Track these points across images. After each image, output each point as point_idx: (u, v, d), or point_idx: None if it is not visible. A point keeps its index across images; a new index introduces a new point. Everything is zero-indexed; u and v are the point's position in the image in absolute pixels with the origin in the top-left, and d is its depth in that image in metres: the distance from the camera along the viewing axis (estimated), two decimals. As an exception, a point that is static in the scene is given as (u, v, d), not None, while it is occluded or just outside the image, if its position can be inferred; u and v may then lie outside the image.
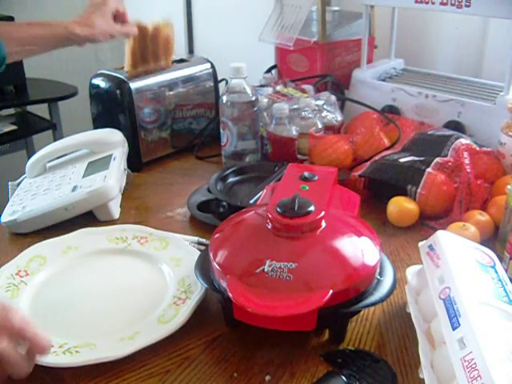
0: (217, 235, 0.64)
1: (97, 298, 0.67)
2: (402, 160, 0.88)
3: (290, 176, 0.71)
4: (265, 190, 0.75)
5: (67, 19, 0.94)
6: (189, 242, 0.78)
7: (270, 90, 1.15)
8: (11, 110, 1.99)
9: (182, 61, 1.13)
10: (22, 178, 0.97)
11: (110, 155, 0.93)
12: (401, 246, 0.79)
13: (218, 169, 0.98)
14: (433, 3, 1.01)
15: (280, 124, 1.00)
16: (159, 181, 1.03)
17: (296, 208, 0.59)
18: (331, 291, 0.53)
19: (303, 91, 1.14)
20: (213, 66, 1.13)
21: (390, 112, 1.10)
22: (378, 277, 0.60)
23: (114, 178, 0.86)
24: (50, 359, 0.55)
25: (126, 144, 1.00)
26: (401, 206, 0.83)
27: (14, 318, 0.51)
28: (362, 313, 0.64)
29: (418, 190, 0.83)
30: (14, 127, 1.83)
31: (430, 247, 0.61)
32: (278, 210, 0.60)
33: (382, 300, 0.57)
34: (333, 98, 1.07)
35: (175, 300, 0.65)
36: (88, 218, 0.85)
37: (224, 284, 0.57)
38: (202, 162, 1.10)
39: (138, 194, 0.97)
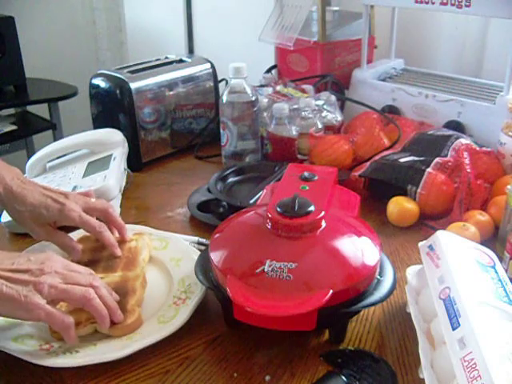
0: (217, 235, 0.64)
1: None
2: (402, 160, 0.88)
3: (290, 176, 0.71)
4: (265, 190, 0.75)
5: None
6: (189, 242, 0.78)
7: (269, 89, 1.15)
8: (11, 110, 1.99)
9: (181, 61, 1.13)
10: (22, 178, 0.97)
11: (110, 155, 0.93)
12: (401, 246, 0.79)
13: (218, 169, 0.98)
14: (433, 3, 1.01)
15: (280, 124, 1.00)
16: (159, 181, 1.03)
17: (296, 208, 0.59)
18: (331, 291, 0.53)
19: (303, 91, 1.14)
20: (213, 66, 1.13)
21: (390, 112, 1.10)
22: (378, 277, 0.60)
23: (113, 178, 0.86)
24: (49, 359, 0.55)
25: (126, 144, 1.00)
26: (401, 206, 0.83)
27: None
28: (362, 313, 0.64)
29: (418, 190, 0.83)
30: (14, 127, 1.84)
31: (430, 247, 0.61)
32: (278, 209, 0.60)
33: (381, 300, 0.57)
34: (333, 97, 1.07)
35: (175, 300, 0.65)
36: (88, 217, 0.85)
37: (224, 284, 0.57)
38: (202, 161, 1.10)
39: (137, 194, 0.97)
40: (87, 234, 0.76)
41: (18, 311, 0.54)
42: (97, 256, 0.72)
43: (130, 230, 0.79)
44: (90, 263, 0.70)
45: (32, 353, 0.56)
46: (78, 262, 0.69)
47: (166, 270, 0.71)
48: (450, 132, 0.95)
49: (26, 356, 0.56)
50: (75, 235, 0.77)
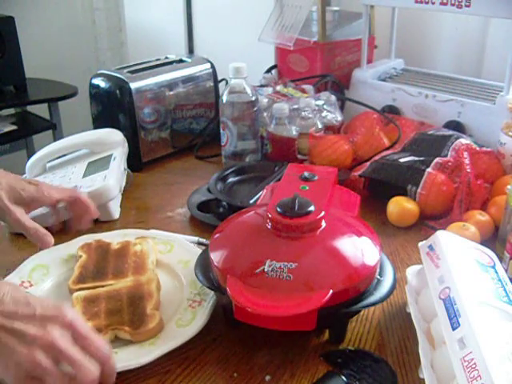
0: (217, 235, 0.64)
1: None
2: (402, 160, 0.88)
3: (289, 176, 0.71)
4: (265, 190, 0.75)
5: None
6: (189, 242, 0.77)
7: (269, 89, 1.15)
8: (11, 110, 1.99)
9: (181, 61, 1.13)
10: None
11: (110, 155, 0.93)
12: (401, 246, 0.79)
13: (218, 169, 0.98)
14: (433, 3, 1.01)
15: (280, 124, 1.00)
16: (159, 181, 1.03)
17: (296, 208, 0.59)
18: (331, 291, 0.53)
19: (303, 91, 1.14)
20: (213, 66, 1.13)
21: (390, 112, 1.10)
22: (378, 277, 0.60)
23: (114, 178, 0.86)
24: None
25: (126, 144, 1.00)
26: (401, 206, 0.83)
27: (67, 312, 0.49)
28: (362, 313, 0.64)
29: (418, 190, 0.83)
30: (13, 127, 1.84)
31: (430, 247, 0.61)
32: (278, 210, 0.60)
33: (382, 300, 0.57)
34: (333, 97, 1.07)
35: (190, 302, 0.64)
36: (88, 218, 0.85)
37: (224, 284, 0.57)
38: (202, 161, 1.10)
39: (137, 194, 0.97)
40: (87, 241, 0.75)
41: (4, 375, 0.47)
42: (103, 263, 0.71)
43: (133, 234, 0.78)
44: (98, 271, 0.69)
45: None
46: (86, 271, 0.69)
47: (174, 273, 0.71)
48: (450, 132, 0.95)
49: None
50: (78, 241, 0.76)
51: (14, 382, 0.47)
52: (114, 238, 0.77)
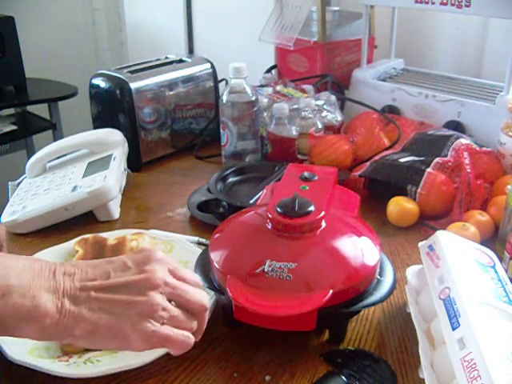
0: (217, 235, 0.64)
1: None
2: (401, 160, 0.88)
3: (290, 176, 0.71)
4: (265, 190, 0.75)
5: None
6: (189, 243, 0.77)
7: (269, 90, 1.15)
8: (11, 110, 1.99)
9: (181, 61, 1.13)
10: (21, 178, 0.97)
11: (110, 155, 0.93)
12: (401, 246, 0.79)
13: (218, 169, 0.98)
14: (433, 3, 1.01)
15: (280, 124, 1.00)
16: (159, 181, 1.03)
17: (296, 208, 0.59)
18: (331, 291, 0.53)
19: (303, 91, 1.14)
20: (213, 66, 1.13)
21: (390, 112, 1.10)
22: (378, 277, 0.60)
23: (114, 178, 0.86)
24: (71, 370, 0.54)
25: (126, 144, 1.00)
26: (401, 206, 0.83)
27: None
28: (361, 313, 0.64)
29: (418, 190, 0.83)
30: (14, 127, 1.83)
31: (430, 247, 0.61)
32: (278, 210, 0.60)
33: (382, 300, 0.57)
34: (333, 97, 1.07)
35: None
36: (88, 218, 0.85)
37: (224, 284, 0.57)
38: (202, 161, 1.10)
39: (138, 194, 0.97)
40: (85, 236, 0.76)
41: (123, 344, 0.43)
42: (99, 259, 0.71)
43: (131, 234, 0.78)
44: None
45: (52, 365, 0.54)
46: None
47: None
48: (450, 132, 0.95)
49: (46, 370, 0.54)
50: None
51: (141, 341, 0.43)
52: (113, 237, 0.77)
